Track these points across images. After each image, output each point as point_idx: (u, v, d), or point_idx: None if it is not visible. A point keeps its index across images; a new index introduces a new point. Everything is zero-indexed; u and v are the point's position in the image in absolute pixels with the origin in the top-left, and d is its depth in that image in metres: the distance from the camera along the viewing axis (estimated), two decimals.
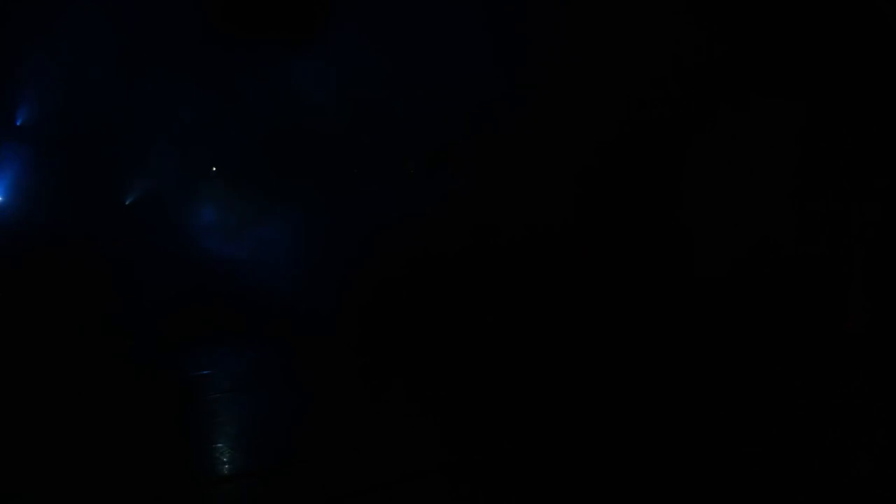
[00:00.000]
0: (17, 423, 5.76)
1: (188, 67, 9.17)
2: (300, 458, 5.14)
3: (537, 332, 8.39)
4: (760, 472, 4.77)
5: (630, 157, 9.06)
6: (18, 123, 9.32)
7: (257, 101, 9.34)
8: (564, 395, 6.48)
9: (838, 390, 6.44)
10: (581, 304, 8.76)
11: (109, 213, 9.56)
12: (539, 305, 8.81)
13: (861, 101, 7.83)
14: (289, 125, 9.42)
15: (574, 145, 8.75)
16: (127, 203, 9.79)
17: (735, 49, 8.39)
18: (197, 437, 5.54)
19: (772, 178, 8.54)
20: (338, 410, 6.09)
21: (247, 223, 9.80)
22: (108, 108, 9.23)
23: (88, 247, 9.06)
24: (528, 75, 8.75)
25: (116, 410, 6.01)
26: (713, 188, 8.84)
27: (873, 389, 6.37)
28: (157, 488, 4.55)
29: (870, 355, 7.10)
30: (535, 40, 8.58)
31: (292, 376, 7.49)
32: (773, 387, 6.59)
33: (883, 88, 7.68)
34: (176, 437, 5.55)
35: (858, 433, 5.49)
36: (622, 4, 8.42)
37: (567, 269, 9.12)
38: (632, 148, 8.99)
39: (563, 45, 8.61)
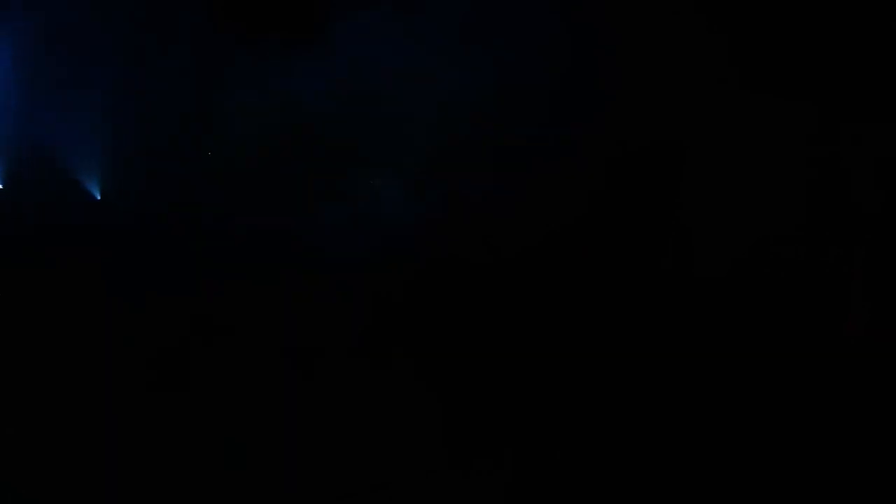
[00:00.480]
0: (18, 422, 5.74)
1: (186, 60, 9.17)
2: (299, 457, 5.12)
3: (539, 331, 8.37)
4: (760, 473, 4.77)
5: (629, 157, 9.05)
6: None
7: (259, 97, 9.32)
8: (566, 393, 6.48)
9: (838, 391, 6.45)
10: (581, 304, 8.75)
11: (106, 209, 9.54)
12: (540, 305, 8.79)
13: (864, 100, 7.84)
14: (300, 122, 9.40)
15: (577, 148, 8.75)
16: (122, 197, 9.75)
17: (736, 47, 8.39)
18: (190, 434, 5.52)
19: (772, 178, 8.54)
20: (338, 408, 6.07)
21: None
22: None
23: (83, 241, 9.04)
24: (534, 77, 8.77)
25: (95, 400, 5.94)
26: (713, 188, 8.83)
27: (873, 391, 6.38)
28: (144, 489, 4.52)
29: (870, 356, 7.10)
30: (543, 41, 8.59)
31: (291, 372, 7.46)
32: (771, 387, 6.59)
33: (885, 88, 7.68)
34: (167, 433, 5.52)
35: (858, 435, 5.50)
36: (625, 5, 8.42)
37: (566, 269, 9.11)
38: (631, 147, 8.98)
39: (564, 45, 8.61)
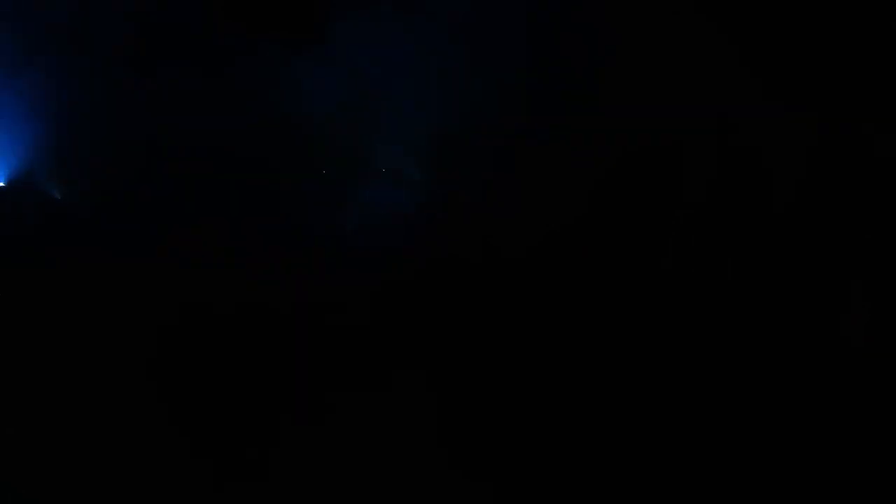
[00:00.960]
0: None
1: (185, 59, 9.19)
2: (298, 457, 5.13)
3: (539, 331, 8.39)
4: (760, 474, 4.77)
5: (629, 157, 9.06)
6: None
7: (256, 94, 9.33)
8: (566, 394, 6.49)
9: (838, 392, 6.45)
10: (581, 304, 8.76)
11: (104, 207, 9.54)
12: (540, 305, 8.81)
13: (864, 101, 7.85)
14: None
15: (578, 148, 8.77)
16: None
17: (737, 48, 8.40)
18: (189, 434, 5.52)
19: (771, 178, 8.55)
20: (337, 408, 6.08)
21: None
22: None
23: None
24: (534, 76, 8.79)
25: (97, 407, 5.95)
26: (713, 188, 8.84)
27: (873, 391, 6.39)
28: (144, 489, 4.52)
29: (870, 356, 7.11)
30: (544, 42, 8.61)
31: (290, 372, 7.47)
32: (771, 388, 6.60)
33: (886, 89, 7.69)
34: (166, 433, 5.51)
35: (859, 435, 5.50)
36: (625, 5, 8.44)
37: (566, 269, 9.11)
38: (631, 147, 8.99)
39: (565, 45, 8.63)
